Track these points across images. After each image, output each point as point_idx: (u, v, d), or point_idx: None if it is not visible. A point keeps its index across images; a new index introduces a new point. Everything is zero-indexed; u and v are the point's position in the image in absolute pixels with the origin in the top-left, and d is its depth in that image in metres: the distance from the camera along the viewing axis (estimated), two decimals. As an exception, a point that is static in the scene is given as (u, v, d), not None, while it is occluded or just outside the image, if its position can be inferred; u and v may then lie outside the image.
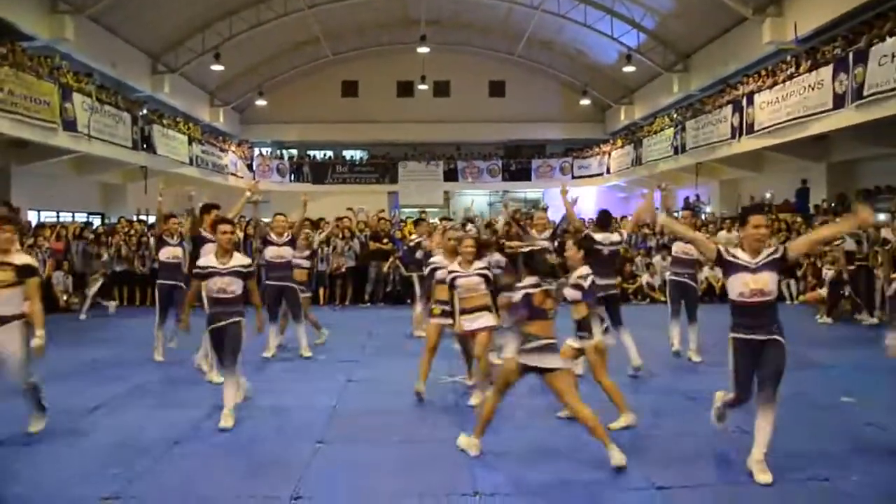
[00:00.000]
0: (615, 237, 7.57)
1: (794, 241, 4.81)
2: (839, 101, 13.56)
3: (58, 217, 18.30)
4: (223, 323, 5.84)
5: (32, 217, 16.86)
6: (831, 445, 3.92)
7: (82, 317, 12.68)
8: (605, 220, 7.71)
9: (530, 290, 4.87)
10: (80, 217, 19.09)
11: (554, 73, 30.02)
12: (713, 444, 5.23)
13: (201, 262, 6.08)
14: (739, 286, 4.54)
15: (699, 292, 8.85)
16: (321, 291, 14.40)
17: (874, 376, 7.14)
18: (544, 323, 4.90)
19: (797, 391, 6.38)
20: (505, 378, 4.96)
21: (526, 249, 5.40)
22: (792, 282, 14.55)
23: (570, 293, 5.56)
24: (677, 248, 8.55)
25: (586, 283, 5.63)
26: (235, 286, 5.86)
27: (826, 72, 14.03)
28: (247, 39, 24.24)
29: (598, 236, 7.37)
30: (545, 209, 7.98)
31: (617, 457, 4.66)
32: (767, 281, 4.49)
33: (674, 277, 8.61)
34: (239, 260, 5.95)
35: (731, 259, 4.61)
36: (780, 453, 4.18)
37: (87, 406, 6.33)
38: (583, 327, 5.72)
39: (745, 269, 4.52)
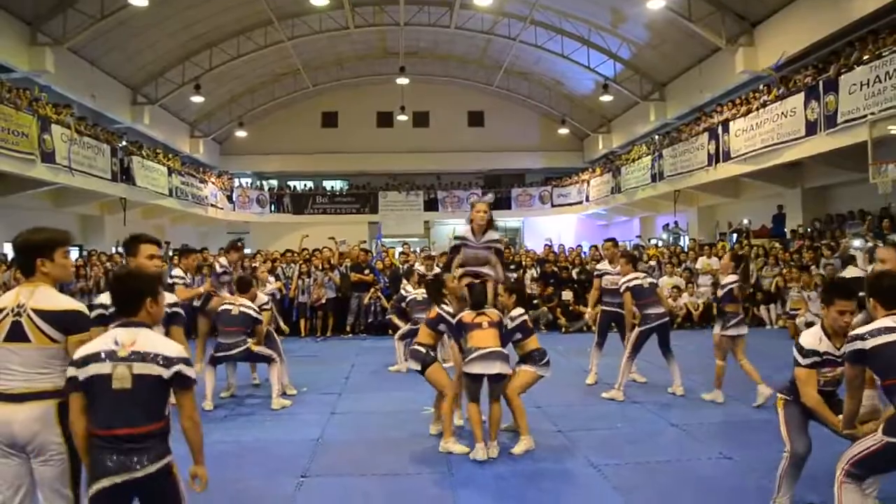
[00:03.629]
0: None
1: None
2: (811, 129, 13.86)
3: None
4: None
5: (8, 250, 16.65)
6: (818, 470, 3.97)
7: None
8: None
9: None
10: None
11: (532, 103, 30.37)
12: (696, 470, 5.25)
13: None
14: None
15: None
16: (302, 323, 14.31)
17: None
18: (482, 333, 5.68)
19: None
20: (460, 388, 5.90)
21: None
22: (772, 306, 14.70)
23: None
24: (607, 280, 8.71)
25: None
26: None
27: (798, 100, 14.33)
28: (227, 71, 24.33)
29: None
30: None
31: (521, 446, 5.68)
32: None
33: (604, 308, 8.76)
34: None
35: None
36: (764, 477, 4.20)
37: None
38: None
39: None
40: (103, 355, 2.89)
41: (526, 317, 6.10)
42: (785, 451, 4.06)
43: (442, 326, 6.06)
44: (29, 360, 3.08)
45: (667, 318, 7.91)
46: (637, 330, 7.82)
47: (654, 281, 8.38)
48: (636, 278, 7.92)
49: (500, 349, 5.65)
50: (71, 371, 2.92)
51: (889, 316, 3.47)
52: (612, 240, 9.26)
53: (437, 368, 5.94)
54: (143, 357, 2.91)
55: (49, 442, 3.07)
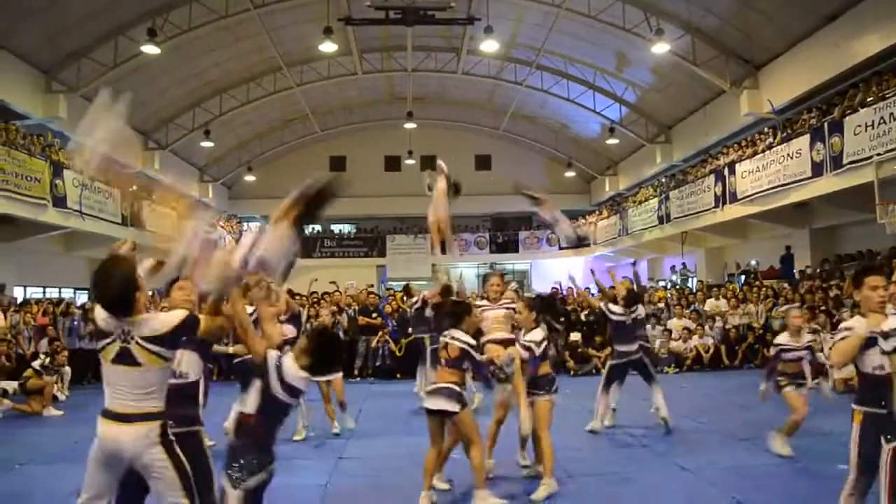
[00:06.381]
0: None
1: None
2: (817, 170, 13.89)
3: (44, 293, 18.17)
4: None
5: (18, 293, 16.76)
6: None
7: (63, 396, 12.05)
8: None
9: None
10: (67, 293, 18.96)
11: (539, 147, 30.58)
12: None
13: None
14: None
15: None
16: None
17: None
18: (442, 370, 5.30)
19: (794, 458, 6.34)
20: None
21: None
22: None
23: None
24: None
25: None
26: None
27: (803, 141, 14.42)
28: (236, 116, 24.69)
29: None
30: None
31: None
32: None
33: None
34: None
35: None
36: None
37: (69, 489, 6.14)
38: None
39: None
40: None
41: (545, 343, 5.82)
42: (849, 475, 3.90)
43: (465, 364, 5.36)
44: (138, 381, 3.28)
45: (639, 356, 8.10)
46: (608, 364, 8.32)
47: (642, 316, 8.72)
48: (622, 314, 8.17)
49: (447, 385, 5.20)
50: None
51: None
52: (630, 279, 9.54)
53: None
54: None
55: (153, 460, 3.26)
